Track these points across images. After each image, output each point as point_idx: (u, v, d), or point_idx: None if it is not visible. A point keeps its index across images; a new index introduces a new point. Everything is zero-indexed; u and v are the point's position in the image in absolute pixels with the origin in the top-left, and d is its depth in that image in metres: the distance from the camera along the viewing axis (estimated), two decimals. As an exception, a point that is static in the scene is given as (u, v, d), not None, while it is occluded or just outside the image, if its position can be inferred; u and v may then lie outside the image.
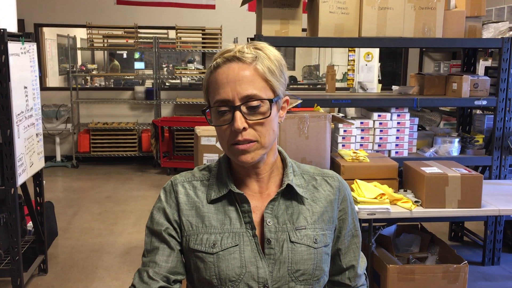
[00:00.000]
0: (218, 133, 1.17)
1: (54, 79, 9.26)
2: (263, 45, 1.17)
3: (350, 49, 6.98)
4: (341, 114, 5.41)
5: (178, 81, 9.14)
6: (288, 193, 1.22)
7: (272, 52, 1.16)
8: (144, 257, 1.22)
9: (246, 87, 1.11)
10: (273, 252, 1.16)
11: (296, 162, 1.30)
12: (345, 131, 3.60)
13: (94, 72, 10.14)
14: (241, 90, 1.10)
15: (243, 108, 1.11)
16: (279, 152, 1.26)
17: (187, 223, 1.20)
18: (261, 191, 1.22)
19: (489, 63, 5.40)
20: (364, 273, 1.34)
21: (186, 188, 1.23)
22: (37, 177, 3.75)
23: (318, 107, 3.40)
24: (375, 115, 3.64)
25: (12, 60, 3.14)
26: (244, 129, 1.11)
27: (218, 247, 1.16)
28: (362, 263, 1.32)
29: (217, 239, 1.16)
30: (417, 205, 3.02)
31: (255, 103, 1.11)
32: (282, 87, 1.17)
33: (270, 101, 1.14)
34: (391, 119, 3.64)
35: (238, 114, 1.11)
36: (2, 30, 3.07)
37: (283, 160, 1.26)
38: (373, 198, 2.94)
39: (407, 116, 3.67)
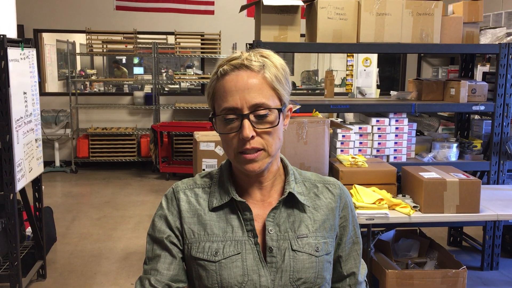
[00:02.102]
0: (224, 140, 1.16)
1: (53, 85, 9.26)
2: (269, 52, 1.17)
3: (348, 54, 7.00)
4: (339, 120, 5.42)
5: (177, 86, 9.15)
6: (290, 201, 1.21)
7: (278, 60, 1.17)
8: (145, 265, 1.22)
9: (254, 96, 1.11)
10: (275, 260, 1.16)
11: (297, 169, 1.30)
12: (343, 136, 3.61)
13: (93, 77, 10.14)
14: (250, 98, 1.10)
15: (252, 117, 1.11)
16: (281, 160, 1.26)
17: (189, 231, 1.19)
18: (263, 199, 1.22)
19: (486, 68, 5.42)
20: (365, 280, 1.34)
21: (188, 196, 1.23)
22: (36, 183, 3.75)
23: (317, 112, 3.41)
24: (374, 120, 3.65)
25: (11, 66, 3.15)
26: (252, 137, 1.11)
27: (220, 255, 1.15)
28: (362, 270, 1.31)
29: (219, 247, 1.16)
30: (416, 210, 3.02)
31: (263, 112, 1.12)
32: (287, 95, 1.18)
33: (279, 110, 1.14)
34: (389, 124, 3.65)
35: (246, 122, 1.10)
36: (1, 36, 3.08)
37: (285, 168, 1.26)
38: (371, 203, 2.94)
39: (406, 121, 3.68)
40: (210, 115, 1.19)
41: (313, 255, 1.18)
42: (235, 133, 1.13)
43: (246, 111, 1.11)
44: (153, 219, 1.24)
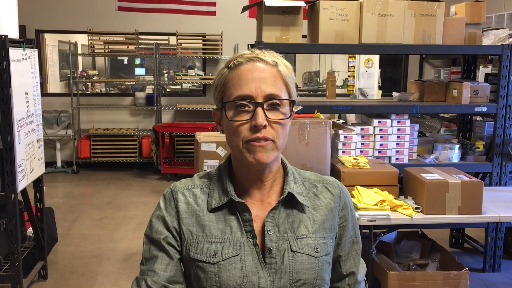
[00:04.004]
0: (232, 130, 1.15)
1: (55, 85, 9.28)
2: (276, 54, 1.21)
3: (350, 55, 7.00)
4: (341, 121, 5.41)
5: (179, 87, 9.16)
6: (289, 201, 1.21)
7: (287, 62, 1.21)
8: (142, 265, 1.21)
9: (269, 86, 1.13)
10: (274, 261, 1.16)
11: (296, 168, 1.30)
12: (345, 137, 3.60)
13: (95, 78, 10.16)
14: (265, 88, 1.12)
15: (265, 106, 1.13)
16: (281, 160, 1.26)
17: (187, 232, 1.19)
18: (262, 199, 1.21)
19: (489, 69, 5.41)
20: (364, 279, 1.33)
21: (186, 196, 1.22)
22: (38, 183, 3.75)
23: (319, 113, 3.40)
24: (376, 121, 3.64)
25: (13, 66, 3.15)
26: (265, 126, 1.12)
27: (219, 256, 1.15)
28: (362, 270, 1.31)
29: (218, 249, 1.15)
30: (418, 212, 3.02)
31: (277, 102, 1.14)
32: (294, 94, 1.21)
33: (292, 102, 1.17)
34: (391, 126, 3.65)
35: (260, 110, 1.12)
36: (3, 37, 3.08)
37: (284, 167, 1.26)
38: (373, 204, 2.93)
39: (408, 122, 3.67)
40: (218, 106, 1.18)
41: (312, 256, 1.18)
42: (245, 122, 1.13)
43: (260, 100, 1.12)
44: (150, 220, 1.24)
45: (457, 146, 3.78)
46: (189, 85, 9.08)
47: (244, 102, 1.13)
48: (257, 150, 1.13)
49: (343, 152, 3.60)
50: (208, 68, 7.90)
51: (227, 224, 1.18)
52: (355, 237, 1.29)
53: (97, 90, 9.64)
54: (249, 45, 3.90)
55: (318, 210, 1.23)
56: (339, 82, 8.76)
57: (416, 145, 3.82)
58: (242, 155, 1.15)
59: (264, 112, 1.12)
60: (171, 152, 7.35)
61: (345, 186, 1.33)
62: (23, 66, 3.37)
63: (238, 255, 1.15)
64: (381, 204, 2.94)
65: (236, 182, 1.22)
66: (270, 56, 1.18)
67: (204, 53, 7.47)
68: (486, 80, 4.18)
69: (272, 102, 1.13)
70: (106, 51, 7.67)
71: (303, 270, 1.16)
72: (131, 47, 7.58)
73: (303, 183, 1.26)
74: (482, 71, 5.36)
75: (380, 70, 7.09)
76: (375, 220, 2.91)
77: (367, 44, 3.53)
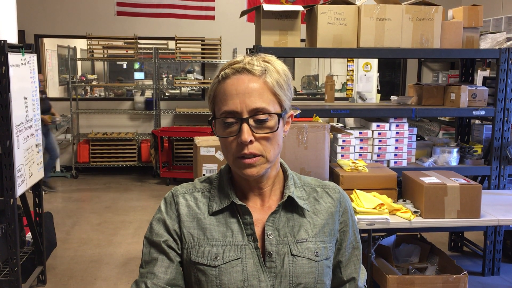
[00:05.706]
0: (223, 144, 1.15)
1: (54, 90, 9.28)
2: (271, 58, 1.17)
3: (348, 59, 7.01)
4: (340, 124, 5.42)
5: (178, 91, 9.16)
6: (289, 205, 1.21)
7: (280, 65, 1.16)
8: (141, 268, 1.21)
9: (255, 100, 1.10)
10: (274, 265, 1.15)
11: (296, 173, 1.29)
12: (344, 141, 3.61)
13: (94, 83, 10.17)
14: (250, 102, 1.10)
15: (251, 121, 1.11)
16: (280, 164, 1.26)
17: (188, 235, 1.18)
18: (262, 203, 1.21)
19: (487, 73, 5.43)
20: (365, 285, 1.33)
21: (187, 200, 1.22)
22: (36, 188, 3.74)
23: (317, 117, 3.41)
24: (374, 125, 3.65)
25: (12, 71, 3.15)
26: (251, 142, 1.10)
27: (220, 260, 1.15)
28: (362, 276, 1.31)
29: (219, 252, 1.15)
30: (416, 215, 3.02)
31: (263, 116, 1.11)
32: (288, 101, 1.17)
33: (279, 115, 1.13)
34: (390, 129, 3.65)
35: (245, 126, 1.10)
36: (2, 42, 3.08)
37: (284, 172, 1.26)
38: (372, 208, 2.94)
39: (406, 126, 3.68)
40: (210, 118, 1.18)
41: (312, 260, 1.17)
42: (234, 137, 1.12)
43: (245, 115, 1.10)
44: (151, 223, 1.23)
45: (455, 150, 3.79)
46: (188, 89, 9.08)
47: (229, 120, 1.11)
48: (247, 167, 1.13)
49: (342, 156, 3.61)
50: (207, 72, 7.91)
51: (228, 227, 1.18)
52: (355, 242, 1.28)
53: (96, 94, 9.65)
54: (248, 50, 3.91)
55: (319, 215, 1.22)
56: (337, 86, 8.77)
57: (415, 148, 3.83)
58: (235, 168, 1.17)
59: (250, 128, 1.11)
60: (170, 156, 7.36)
61: (344, 189, 1.32)
62: (22, 71, 3.37)
63: (239, 258, 1.15)
64: (380, 207, 2.94)
65: (237, 186, 1.22)
66: (260, 63, 1.13)
67: (203, 57, 7.49)
68: (484, 84, 4.19)
69: (257, 118, 1.11)
70: (105, 55, 7.69)
71: (303, 274, 1.16)
72: (130, 52, 7.59)
73: (303, 187, 1.26)
74: (480, 75, 5.38)
75: (378, 74, 7.11)
76: (374, 224, 2.91)
77: (365, 48, 3.54)
